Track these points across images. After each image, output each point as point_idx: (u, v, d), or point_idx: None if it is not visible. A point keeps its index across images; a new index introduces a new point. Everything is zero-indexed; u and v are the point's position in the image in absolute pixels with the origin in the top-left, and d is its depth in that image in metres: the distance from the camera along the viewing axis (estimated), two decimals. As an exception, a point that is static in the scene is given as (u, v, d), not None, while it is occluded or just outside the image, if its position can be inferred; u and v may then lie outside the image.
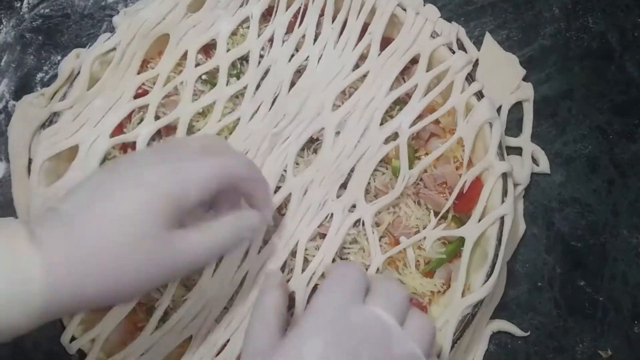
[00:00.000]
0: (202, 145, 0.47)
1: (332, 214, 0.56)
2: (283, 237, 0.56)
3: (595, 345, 0.59)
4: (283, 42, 0.63)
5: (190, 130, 0.60)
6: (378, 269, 0.55)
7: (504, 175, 0.56)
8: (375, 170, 0.58)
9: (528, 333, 0.59)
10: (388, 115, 0.60)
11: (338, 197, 0.57)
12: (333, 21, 0.62)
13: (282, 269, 0.56)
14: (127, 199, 0.40)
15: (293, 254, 0.56)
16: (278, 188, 0.58)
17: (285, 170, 0.58)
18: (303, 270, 0.55)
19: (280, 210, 0.57)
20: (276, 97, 0.61)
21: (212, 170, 0.44)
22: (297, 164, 0.59)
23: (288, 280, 0.55)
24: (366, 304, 0.40)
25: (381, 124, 0.59)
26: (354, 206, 0.57)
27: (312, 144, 0.59)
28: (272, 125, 0.59)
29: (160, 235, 0.40)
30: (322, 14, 0.63)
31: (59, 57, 0.69)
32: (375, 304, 0.40)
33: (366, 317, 0.40)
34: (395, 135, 0.58)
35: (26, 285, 0.37)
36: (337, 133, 0.59)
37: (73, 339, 0.54)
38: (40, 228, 0.39)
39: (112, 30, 0.64)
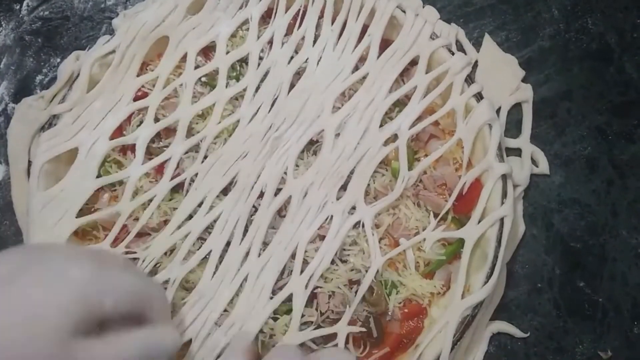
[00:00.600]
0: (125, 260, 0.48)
1: (331, 216, 0.56)
2: (283, 240, 0.56)
3: (594, 346, 0.59)
4: (282, 44, 0.63)
5: (190, 132, 0.60)
6: (378, 271, 0.55)
7: (504, 177, 0.56)
8: (375, 172, 0.58)
9: (528, 334, 0.59)
10: (387, 116, 0.60)
11: (338, 199, 0.57)
12: (332, 23, 0.62)
13: (282, 271, 0.55)
14: (43, 293, 0.39)
15: (293, 255, 0.56)
16: (278, 190, 0.58)
17: (285, 173, 0.58)
18: (302, 272, 0.55)
19: (280, 213, 0.57)
20: (276, 98, 0.61)
21: (134, 283, 0.44)
22: (297, 166, 0.59)
23: (286, 283, 0.55)
24: None
25: (381, 125, 0.59)
26: (353, 208, 0.57)
27: (312, 145, 0.59)
28: (272, 128, 0.59)
29: (66, 343, 0.39)
30: (321, 16, 0.63)
31: (59, 60, 0.69)
32: None
33: None
34: (394, 137, 0.59)
35: None
36: (337, 135, 0.59)
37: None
38: None
39: (111, 32, 0.64)
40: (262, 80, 0.62)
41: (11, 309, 0.38)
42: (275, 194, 0.57)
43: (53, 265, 0.41)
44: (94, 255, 0.44)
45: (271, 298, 0.54)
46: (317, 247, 0.56)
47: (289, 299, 0.54)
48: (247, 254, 0.56)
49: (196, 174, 0.59)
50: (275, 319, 0.54)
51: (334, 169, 0.58)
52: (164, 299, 0.49)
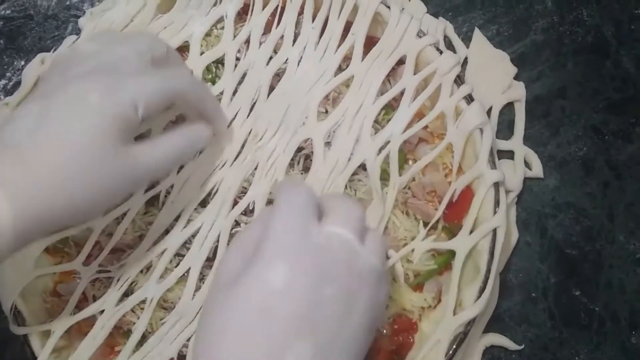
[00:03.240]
0: (143, 51, 0.48)
1: None
2: None
3: (591, 357, 0.57)
4: (260, 43, 0.59)
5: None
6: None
7: (496, 185, 0.53)
8: (358, 180, 0.56)
9: (522, 346, 0.57)
10: (374, 120, 0.56)
11: None
12: (313, 20, 0.59)
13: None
14: (74, 124, 0.42)
15: None
16: (268, 205, 0.54)
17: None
18: None
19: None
20: (254, 102, 0.58)
21: (157, 84, 0.45)
22: None
23: None
24: (325, 224, 0.39)
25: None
26: None
27: (300, 155, 0.56)
28: (251, 133, 0.56)
29: (114, 150, 0.43)
30: (301, 12, 0.59)
31: (23, 62, 0.65)
32: (333, 223, 0.39)
33: (327, 236, 0.39)
34: (385, 143, 0.55)
35: None
36: (327, 144, 0.56)
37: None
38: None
39: (78, 32, 0.61)
40: (239, 83, 0.58)
41: (53, 148, 0.41)
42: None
43: (70, 101, 0.43)
44: (104, 61, 0.46)
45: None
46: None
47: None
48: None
49: (172, 186, 0.55)
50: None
51: (329, 184, 0.54)
52: (194, 88, 0.51)
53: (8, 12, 0.66)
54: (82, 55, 0.47)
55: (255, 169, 0.55)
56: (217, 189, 0.55)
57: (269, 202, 0.55)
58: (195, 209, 0.55)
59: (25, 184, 0.40)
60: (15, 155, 0.40)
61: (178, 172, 0.55)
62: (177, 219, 0.55)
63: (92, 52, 0.47)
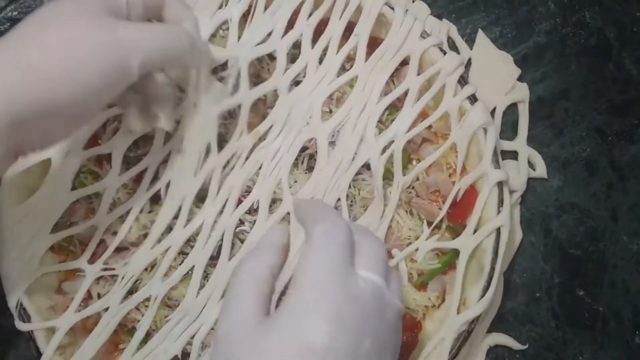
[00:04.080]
0: None
1: None
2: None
3: (595, 357, 0.57)
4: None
5: (168, 138, 0.57)
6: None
7: (500, 184, 0.54)
8: (362, 179, 0.56)
9: (526, 346, 0.57)
10: (378, 121, 0.57)
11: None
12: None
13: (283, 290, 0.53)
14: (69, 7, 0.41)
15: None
16: (273, 204, 0.55)
17: (279, 187, 0.55)
18: None
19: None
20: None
21: None
22: (296, 181, 0.56)
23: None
24: (357, 267, 0.38)
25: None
26: None
27: (304, 155, 0.57)
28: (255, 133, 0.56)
29: (104, 21, 0.41)
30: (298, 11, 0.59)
31: (29, 63, 0.65)
32: (365, 267, 0.38)
33: (362, 286, 0.37)
34: (389, 142, 0.56)
35: None
36: (331, 143, 0.56)
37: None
38: None
39: (84, 33, 0.60)
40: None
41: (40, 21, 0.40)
42: (271, 211, 0.54)
43: None
44: None
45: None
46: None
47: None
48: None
49: (169, 183, 0.55)
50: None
51: (333, 183, 0.55)
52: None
53: (15, 13, 0.67)
54: None
55: (260, 168, 0.56)
56: (219, 187, 0.55)
57: (273, 201, 0.55)
58: (195, 204, 0.55)
59: (12, 62, 0.39)
60: (8, 43, 0.40)
61: (167, 165, 0.55)
62: (178, 215, 0.55)
63: None
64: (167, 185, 0.55)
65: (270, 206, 0.55)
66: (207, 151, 0.55)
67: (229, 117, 0.56)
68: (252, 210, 0.55)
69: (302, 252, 0.38)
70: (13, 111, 0.38)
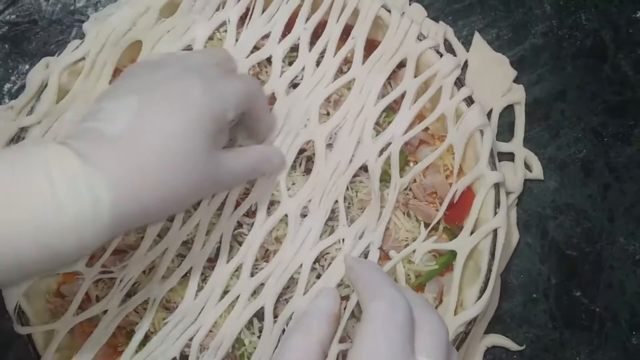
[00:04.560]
0: (218, 59, 0.51)
1: (343, 239, 0.54)
2: (282, 261, 0.53)
3: (592, 358, 0.57)
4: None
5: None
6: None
7: (496, 186, 0.54)
8: (360, 182, 0.56)
9: (523, 347, 0.58)
10: (375, 123, 0.57)
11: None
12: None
13: (280, 293, 0.53)
14: (176, 118, 0.42)
15: (291, 279, 0.54)
16: (271, 207, 0.55)
17: (277, 190, 0.55)
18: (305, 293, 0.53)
19: (272, 233, 0.55)
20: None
21: (244, 88, 0.48)
22: (294, 183, 0.56)
23: (289, 299, 0.53)
24: (417, 352, 0.34)
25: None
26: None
27: (302, 156, 0.57)
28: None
29: (208, 149, 0.44)
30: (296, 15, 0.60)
31: (27, 67, 0.65)
32: (427, 353, 0.34)
33: None
34: (387, 145, 0.56)
35: (95, 205, 0.38)
36: (329, 146, 0.56)
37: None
38: (90, 149, 0.40)
39: (82, 36, 0.61)
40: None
41: (154, 138, 0.42)
42: (269, 213, 0.55)
43: (171, 95, 0.44)
44: (196, 68, 0.47)
45: (275, 320, 0.52)
46: (314, 267, 0.54)
47: (290, 318, 0.52)
48: (237, 273, 0.54)
49: None
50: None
51: (331, 184, 0.55)
52: (263, 92, 0.53)
53: (13, 17, 0.67)
54: (167, 60, 0.48)
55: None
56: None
57: (271, 203, 0.55)
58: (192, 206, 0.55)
59: (125, 173, 0.40)
60: (116, 144, 0.40)
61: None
62: (173, 217, 0.55)
63: (175, 58, 0.49)
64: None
65: (269, 208, 0.55)
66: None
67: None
68: (250, 213, 0.55)
69: (359, 329, 0.35)
70: (115, 216, 0.40)
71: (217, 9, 0.61)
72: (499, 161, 0.60)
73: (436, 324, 0.36)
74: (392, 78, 0.58)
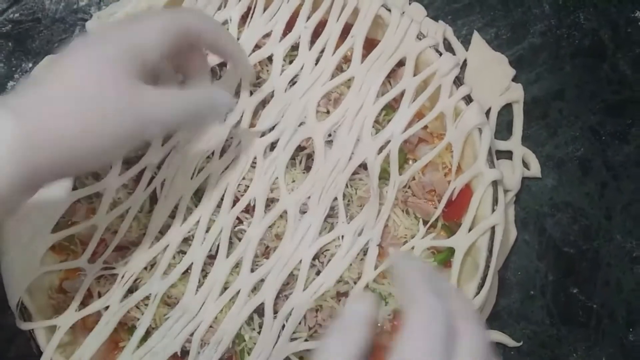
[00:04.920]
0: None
1: (342, 236, 0.55)
2: (282, 257, 0.54)
3: (589, 355, 0.58)
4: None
5: (167, 139, 0.57)
6: (367, 285, 0.54)
7: (494, 183, 0.54)
8: (359, 179, 0.57)
9: (520, 343, 0.58)
10: (374, 121, 0.57)
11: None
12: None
13: (280, 289, 0.54)
14: (92, 58, 0.41)
15: (291, 275, 0.54)
16: (270, 203, 0.55)
17: (275, 184, 0.56)
18: (305, 289, 0.53)
19: (271, 229, 0.55)
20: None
21: (166, 21, 0.45)
22: (294, 180, 0.56)
23: (289, 295, 0.53)
24: None
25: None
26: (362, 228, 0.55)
27: (301, 154, 0.57)
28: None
29: (128, 85, 0.41)
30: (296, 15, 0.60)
31: (30, 65, 0.66)
32: None
33: None
34: (386, 142, 0.56)
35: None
36: (328, 143, 0.57)
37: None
38: (13, 94, 0.40)
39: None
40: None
41: (56, 79, 0.41)
42: (268, 209, 0.55)
43: (92, 40, 0.45)
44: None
45: (275, 316, 0.53)
46: (314, 263, 0.55)
47: (290, 314, 0.53)
48: (237, 269, 0.54)
49: (164, 180, 0.56)
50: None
51: (330, 182, 0.55)
52: (206, 22, 0.50)
53: (17, 15, 0.67)
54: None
55: (255, 167, 0.56)
56: (215, 185, 0.56)
57: (269, 200, 0.55)
58: (191, 201, 0.56)
59: (32, 104, 0.39)
60: (28, 89, 0.41)
61: (164, 164, 0.56)
62: (174, 213, 0.56)
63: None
64: (162, 184, 0.56)
65: (268, 205, 0.55)
66: (209, 155, 0.56)
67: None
68: (250, 209, 0.56)
69: (398, 338, 0.34)
70: (26, 172, 0.38)
71: (219, 8, 0.61)
72: (497, 159, 0.60)
73: (476, 334, 0.34)
74: (392, 76, 0.59)
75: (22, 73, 0.66)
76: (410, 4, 0.66)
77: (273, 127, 0.57)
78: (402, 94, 0.57)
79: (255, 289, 0.54)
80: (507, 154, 0.63)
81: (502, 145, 0.62)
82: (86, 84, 0.40)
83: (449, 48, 0.65)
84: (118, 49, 0.42)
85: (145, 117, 0.43)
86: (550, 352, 0.58)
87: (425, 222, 0.56)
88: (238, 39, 0.60)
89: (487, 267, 0.53)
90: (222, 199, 0.55)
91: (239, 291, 0.53)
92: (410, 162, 0.58)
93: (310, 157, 0.57)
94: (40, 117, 0.39)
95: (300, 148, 0.57)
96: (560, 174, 0.62)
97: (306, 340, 0.53)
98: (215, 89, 0.51)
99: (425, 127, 0.58)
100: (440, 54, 0.58)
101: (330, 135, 0.57)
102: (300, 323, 0.53)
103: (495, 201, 0.54)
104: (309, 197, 0.55)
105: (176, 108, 0.45)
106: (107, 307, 0.54)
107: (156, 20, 0.45)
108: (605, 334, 0.58)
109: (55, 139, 0.39)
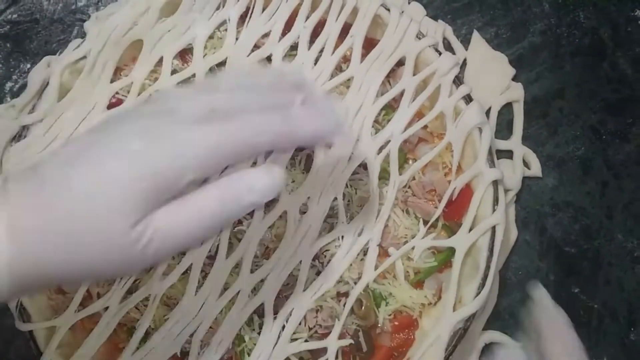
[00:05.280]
0: (212, 109, 0.35)
1: (342, 237, 0.54)
2: (282, 258, 0.54)
3: (590, 354, 0.56)
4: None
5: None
6: (367, 285, 0.54)
7: (495, 183, 0.54)
8: (359, 179, 0.56)
9: (521, 344, 0.58)
10: (374, 121, 0.57)
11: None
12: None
13: (280, 289, 0.53)
14: (112, 171, 0.34)
15: (291, 275, 0.54)
16: (270, 204, 0.55)
17: None
18: (305, 289, 0.53)
19: (271, 230, 0.55)
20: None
21: (218, 139, 0.34)
22: (293, 180, 0.56)
23: (289, 295, 0.53)
24: None
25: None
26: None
27: (301, 154, 0.57)
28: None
29: (131, 229, 0.34)
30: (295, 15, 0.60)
31: (29, 65, 0.66)
32: None
33: None
34: (386, 142, 0.56)
35: None
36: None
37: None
38: (14, 183, 0.34)
39: (83, 35, 0.61)
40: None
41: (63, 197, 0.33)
42: (267, 210, 0.55)
43: (116, 141, 0.35)
44: (157, 115, 0.35)
45: (275, 317, 0.53)
46: (314, 264, 0.54)
47: (290, 314, 0.53)
48: (237, 269, 0.54)
49: None
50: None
51: (330, 182, 0.55)
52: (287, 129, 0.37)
53: (15, 16, 0.67)
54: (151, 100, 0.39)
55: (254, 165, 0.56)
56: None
57: (269, 201, 0.55)
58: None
59: (33, 228, 0.33)
60: (36, 183, 0.34)
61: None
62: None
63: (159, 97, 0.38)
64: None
65: (268, 205, 0.55)
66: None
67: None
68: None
69: None
70: (18, 285, 0.34)
71: (218, 8, 0.61)
72: (498, 159, 0.60)
73: None
74: (391, 76, 0.59)
75: (20, 74, 0.66)
76: (409, 3, 0.66)
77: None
78: (401, 93, 0.57)
79: (255, 290, 0.54)
80: (508, 154, 0.62)
81: (503, 144, 0.62)
82: (93, 210, 0.33)
83: (448, 47, 0.65)
84: (146, 177, 0.34)
85: (157, 259, 0.36)
86: (552, 352, 0.58)
87: (425, 222, 0.56)
88: (237, 39, 0.60)
89: (487, 267, 0.53)
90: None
91: (239, 292, 0.53)
92: (410, 161, 0.58)
93: (309, 157, 0.57)
94: (35, 239, 0.33)
95: (299, 148, 0.57)
96: (560, 173, 0.62)
97: (306, 340, 0.53)
98: (253, 171, 0.37)
99: (425, 126, 0.58)
100: (440, 54, 0.58)
101: (329, 134, 0.56)
102: (300, 323, 0.53)
103: (495, 201, 0.54)
104: (309, 198, 0.55)
105: (193, 234, 0.36)
106: (106, 308, 0.54)
107: (204, 137, 0.35)
108: (606, 334, 0.58)
109: (49, 256, 0.34)
